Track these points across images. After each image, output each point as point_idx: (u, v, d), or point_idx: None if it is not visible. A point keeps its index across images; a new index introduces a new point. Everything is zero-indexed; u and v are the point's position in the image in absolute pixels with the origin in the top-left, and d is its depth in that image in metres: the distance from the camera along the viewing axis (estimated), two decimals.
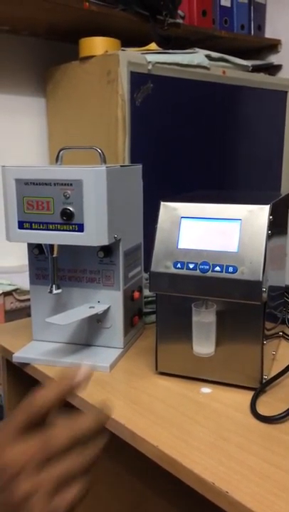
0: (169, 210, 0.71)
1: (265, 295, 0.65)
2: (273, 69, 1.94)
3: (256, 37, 1.89)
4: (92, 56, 1.48)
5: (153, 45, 1.54)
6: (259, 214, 0.67)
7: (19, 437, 0.42)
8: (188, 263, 0.68)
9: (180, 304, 0.71)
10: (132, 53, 1.45)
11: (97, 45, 1.49)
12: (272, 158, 1.92)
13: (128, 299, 0.83)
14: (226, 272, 0.66)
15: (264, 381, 0.70)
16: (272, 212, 0.68)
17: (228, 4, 1.78)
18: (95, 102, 1.50)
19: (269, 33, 1.94)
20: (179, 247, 0.69)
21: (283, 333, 0.89)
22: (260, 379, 0.70)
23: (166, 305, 0.73)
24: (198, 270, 0.67)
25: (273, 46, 1.94)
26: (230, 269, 0.66)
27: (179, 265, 0.69)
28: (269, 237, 0.67)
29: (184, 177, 1.60)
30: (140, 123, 1.48)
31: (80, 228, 0.72)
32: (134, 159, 1.45)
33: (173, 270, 0.69)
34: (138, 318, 0.88)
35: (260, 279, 0.65)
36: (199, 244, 0.69)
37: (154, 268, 0.70)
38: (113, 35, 1.50)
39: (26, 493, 0.40)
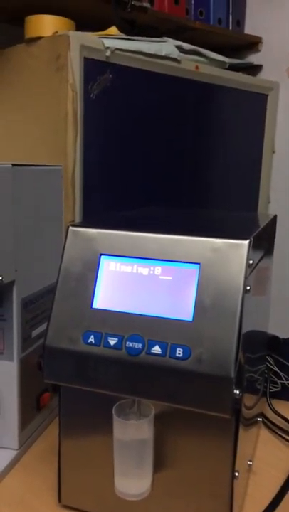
0: (81, 241, 0.40)
1: (238, 395, 0.35)
2: (252, 70, 1.66)
3: (235, 32, 1.60)
4: (40, 38, 1.17)
5: (113, 30, 1.23)
6: (231, 255, 0.37)
7: None
8: (107, 336, 0.37)
9: (95, 405, 0.40)
10: (87, 36, 1.14)
11: (46, 24, 1.18)
12: (250, 168, 1.62)
13: (30, 371, 0.52)
14: (170, 356, 0.35)
15: None
16: (252, 251, 0.38)
17: None
18: (41, 92, 1.19)
19: (249, 29, 1.65)
20: (94, 306, 0.38)
21: (263, 416, 0.58)
22: None
23: (74, 404, 0.41)
24: (124, 350, 0.37)
25: (253, 44, 1.66)
26: (179, 352, 0.35)
27: (92, 338, 0.38)
28: (246, 292, 0.37)
29: (146, 188, 1.29)
30: (95, 120, 1.17)
31: None
32: (87, 163, 1.14)
33: (82, 347, 0.38)
34: (50, 395, 0.56)
35: (231, 375, 0.34)
36: (128, 303, 0.38)
37: (50, 341, 0.39)
38: (67, 17, 1.20)
39: None
